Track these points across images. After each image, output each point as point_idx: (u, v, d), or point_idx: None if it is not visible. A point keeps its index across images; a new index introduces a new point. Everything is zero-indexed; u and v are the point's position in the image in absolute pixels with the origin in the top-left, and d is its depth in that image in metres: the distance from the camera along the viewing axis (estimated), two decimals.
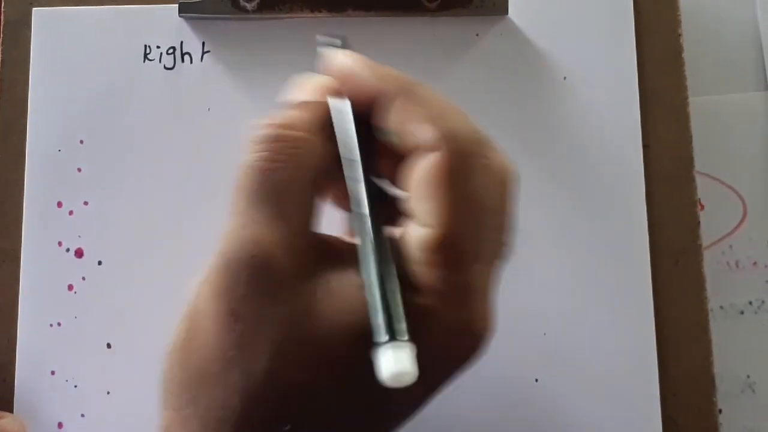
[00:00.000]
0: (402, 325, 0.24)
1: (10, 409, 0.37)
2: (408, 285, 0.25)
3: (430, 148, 0.25)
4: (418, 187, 0.25)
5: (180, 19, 0.40)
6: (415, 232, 0.25)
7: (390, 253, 0.25)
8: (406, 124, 0.26)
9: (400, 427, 0.27)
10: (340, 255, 0.26)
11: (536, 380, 0.37)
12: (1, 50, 0.40)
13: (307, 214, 0.26)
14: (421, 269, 0.25)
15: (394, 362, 0.23)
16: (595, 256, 0.38)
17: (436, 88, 0.39)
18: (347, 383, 0.24)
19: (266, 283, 0.24)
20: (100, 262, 0.38)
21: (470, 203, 0.25)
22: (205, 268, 0.26)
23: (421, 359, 0.23)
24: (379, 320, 0.24)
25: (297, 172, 0.26)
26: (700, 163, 0.39)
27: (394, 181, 0.28)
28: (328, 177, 0.27)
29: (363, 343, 0.23)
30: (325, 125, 0.27)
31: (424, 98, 0.26)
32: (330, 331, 0.24)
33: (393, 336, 0.23)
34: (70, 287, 0.38)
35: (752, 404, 0.38)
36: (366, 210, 0.26)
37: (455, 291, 0.25)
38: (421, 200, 0.25)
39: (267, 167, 0.25)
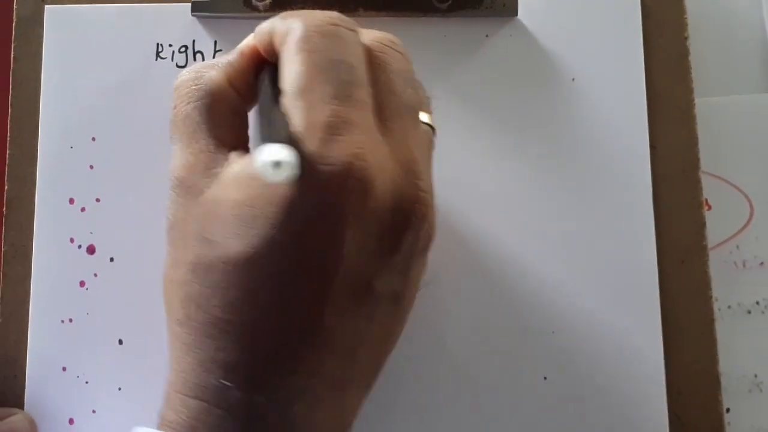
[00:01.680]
0: (280, 132, 0.26)
1: (22, 405, 0.37)
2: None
3: (288, 33, 0.29)
4: (281, 66, 0.29)
5: (192, 17, 0.40)
6: (284, 99, 0.29)
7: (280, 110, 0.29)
8: (279, 37, 0.30)
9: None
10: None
11: (545, 378, 0.38)
12: (14, 48, 0.40)
13: (222, 132, 0.31)
14: (290, 117, 0.28)
15: (267, 154, 0.25)
16: (602, 255, 0.38)
17: (446, 88, 0.40)
18: (259, 247, 0.27)
19: (186, 195, 0.30)
20: (112, 259, 0.39)
21: (318, 58, 0.28)
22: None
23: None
24: (260, 131, 0.27)
25: (200, 103, 0.31)
26: (706, 163, 0.39)
27: None
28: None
29: (255, 207, 0.27)
30: (238, 61, 0.32)
31: (289, 13, 0.31)
32: (233, 205, 0.28)
33: (269, 140, 0.26)
34: (82, 283, 0.38)
35: (760, 403, 0.39)
36: (265, 88, 0.30)
37: (316, 130, 0.27)
38: (282, 73, 0.29)
39: (175, 111, 0.31)
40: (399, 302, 0.30)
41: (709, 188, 0.39)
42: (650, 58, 0.40)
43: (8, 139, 0.40)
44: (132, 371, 0.38)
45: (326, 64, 0.28)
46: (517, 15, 0.40)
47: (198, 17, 0.40)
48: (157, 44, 0.40)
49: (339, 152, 0.27)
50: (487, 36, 0.40)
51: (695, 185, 0.39)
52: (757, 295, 0.39)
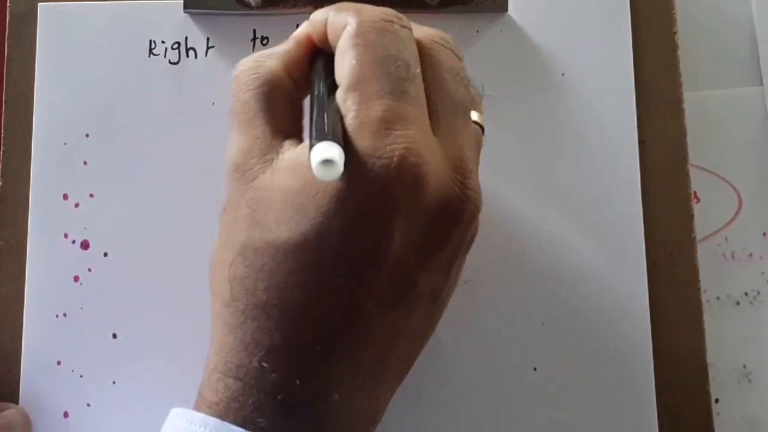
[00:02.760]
0: (334, 129, 0.27)
1: (16, 399, 0.38)
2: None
3: (343, 27, 0.30)
4: (336, 60, 0.30)
5: (185, 14, 0.40)
6: (337, 92, 0.29)
7: (332, 97, 0.29)
8: (334, 31, 0.30)
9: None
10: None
11: (534, 369, 0.38)
12: (7, 45, 0.41)
13: (279, 120, 0.31)
14: (345, 110, 0.28)
15: (319, 152, 0.25)
16: (591, 248, 0.39)
17: None
18: (307, 235, 0.28)
19: (241, 179, 0.30)
20: (105, 254, 0.39)
21: (373, 54, 0.29)
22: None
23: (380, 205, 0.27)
24: (313, 126, 0.27)
25: (258, 91, 0.31)
26: (695, 156, 0.39)
27: None
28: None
29: (307, 196, 0.28)
30: (294, 50, 0.32)
31: (344, 5, 0.31)
32: (285, 192, 0.28)
33: (323, 137, 0.26)
34: (76, 278, 0.39)
35: (748, 394, 0.39)
36: (319, 79, 0.31)
37: (370, 124, 0.28)
38: (337, 67, 0.30)
39: (234, 99, 0.32)
40: (437, 300, 0.31)
41: (697, 181, 0.39)
42: (639, 52, 0.40)
43: (2, 136, 0.40)
44: (126, 365, 0.38)
45: (381, 60, 0.29)
46: (507, 11, 0.41)
47: (190, 14, 0.40)
48: (150, 41, 0.40)
49: (393, 146, 0.27)
50: (477, 32, 0.41)
51: (684, 178, 0.39)
52: (745, 286, 0.40)
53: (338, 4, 0.31)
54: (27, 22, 0.41)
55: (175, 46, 0.40)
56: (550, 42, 0.41)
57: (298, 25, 0.40)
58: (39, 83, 0.40)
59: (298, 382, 0.28)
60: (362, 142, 0.27)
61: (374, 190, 0.27)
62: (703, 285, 0.38)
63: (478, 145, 0.32)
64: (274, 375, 0.28)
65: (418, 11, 0.40)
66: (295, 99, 0.32)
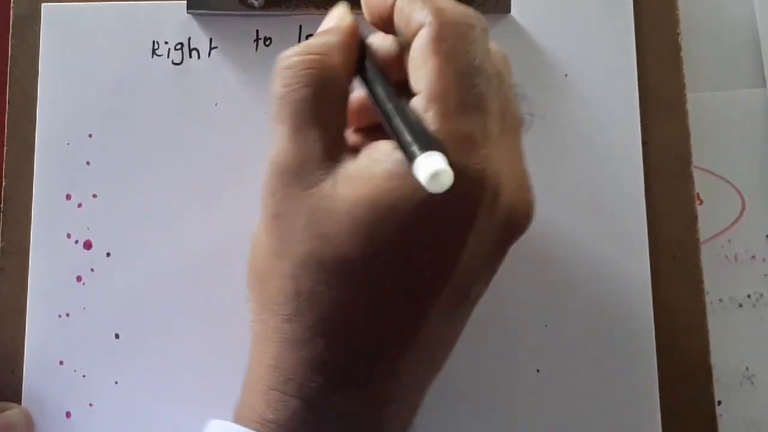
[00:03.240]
0: (428, 137, 0.26)
1: (19, 399, 0.38)
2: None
3: (421, 25, 0.28)
4: (412, 62, 0.28)
5: (188, 15, 0.40)
6: (414, 100, 0.28)
7: (404, 105, 0.28)
8: (404, 18, 0.29)
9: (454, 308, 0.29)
10: (356, 149, 0.29)
11: (537, 371, 0.38)
12: (11, 45, 0.41)
13: (335, 122, 0.29)
14: (427, 123, 0.27)
15: (429, 164, 0.24)
16: (594, 250, 0.39)
17: None
18: (379, 249, 0.27)
19: (297, 185, 0.28)
20: (108, 254, 0.39)
21: (457, 64, 0.27)
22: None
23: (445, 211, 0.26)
24: (407, 138, 0.26)
25: (317, 89, 0.29)
26: (698, 158, 0.39)
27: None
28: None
29: (382, 208, 0.27)
30: (346, 43, 0.30)
31: None
32: (353, 204, 0.27)
33: (423, 148, 0.25)
34: (79, 278, 0.39)
35: (751, 396, 0.39)
36: (379, 77, 0.30)
37: (455, 140, 0.27)
38: (415, 71, 0.28)
39: (286, 91, 0.29)
40: (474, 305, 0.31)
41: (700, 183, 0.39)
42: (642, 53, 0.40)
43: (5, 136, 0.40)
44: (128, 365, 0.38)
45: (465, 71, 0.27)
46: (510, 12, 0.41)
47: (193, 14, 0.40)
48: (153, 42, 0.40)
49: (477, 165, 0.27)
50: None
51: (687, 180, 0.39)
52: (748, 288, 0.40)
53: None
54: (31, 22, 0.41)
55: (178, 46, 0.40)
56: (553, 43, 0.41)
57: (301, 26, 0.40)
58: (42, 83, 0.40)
59: (359, 399, 0.28)
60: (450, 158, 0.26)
61: (456, 208, 0.27)
62: (706, 287, 0.38)
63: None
64: (338, 395, 0.28)
65: None
66: (347, 96, 0.31)
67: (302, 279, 0.28)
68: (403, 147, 0.26)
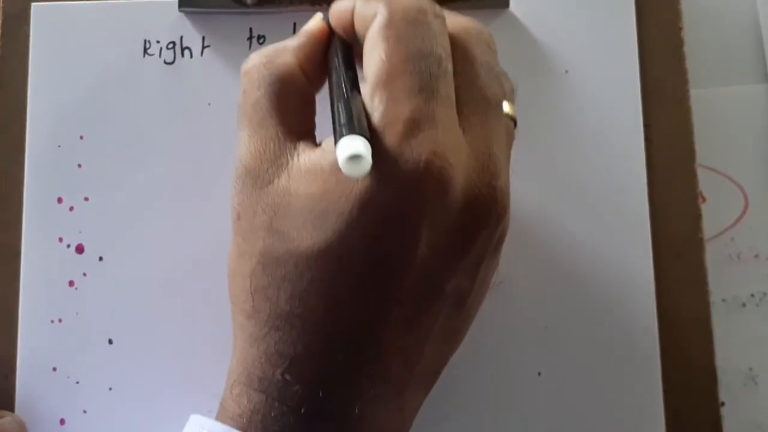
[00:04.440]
0: (361, 124, 0.26)
1: (12, 406, 0.37)
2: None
3: (373, 18, 0.28)
4: (364, 52, 0.29)
5: (180, 13, 0.40)
6: (363, 87, 0.28)
7: (355, 91, 0.28)
8: (361, 19, 0.29)
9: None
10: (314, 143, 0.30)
11: (539, 374, 0.37)
12: (1, 46, 0.40)
13: (290, 119, 0.30)
14: (372, 109, 0.27)
15: (348, 147, 0.25)
16: (596, 248, 0.38)
17: None
18: (330, 242, 0.27)
19: (255, 185, 0.29)
20: (101, 258, 0.38)
21: (403, 49, 0.28)
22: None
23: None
24: (336, 123, 0.27)
25: (268, 90, 0.30)
26: (701, 155, 0.39)
27: None
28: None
29: (330, 201, 0.27)
30: (307, 44, 0.31)
31: None
32: (304, 198, 0.27)
33: (351, 132, 0.25)
34: (71, 283, 0.38)
35: (755, 396, 0.38)
36: (339, 69, 0.30)
37: (396, 124, 0.27)
38: (365, 60, 0.28)
39: (243, 98, 0.31)
40: (464, 303, 0.30)
41: (703, 180, 0.39)
42: (644, 48, 0.40)
43: None
44: (122, 371, 0.38)
45: (413, 55, 0.27)
46: (509, 6, 0.40)
47: (185, 12, 0.40)
48: (145, 41, 0.40)
49: (419, 149, 0.26)
50: None
51: (691, 177, 0.39)
52: (751, 287, 0.39)
53: None
54: (21, 21, 0.40)
55: (170, 45, 0.40)
56: (553, 38, 0.40)
57: (295, 23, 0.40)
58: (33, 84, 0.40)
59: (321, 394, 0.28)
60: (388, 143, 0.27)
61: (399, 194, 0.27)
62: (708, 286, 0.38)
63: (510, 140, 0.32)
64: (297, 387, 0.28)
65: None
66: (308, 96, 0.31)
67: (259, 275, 0.28)
68: (334, 132, 0.27)
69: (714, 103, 0.40)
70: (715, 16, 0.41)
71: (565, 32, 0.40)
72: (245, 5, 0.39)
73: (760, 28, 0.41)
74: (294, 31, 0.40)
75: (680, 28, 0.40)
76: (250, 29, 0.40)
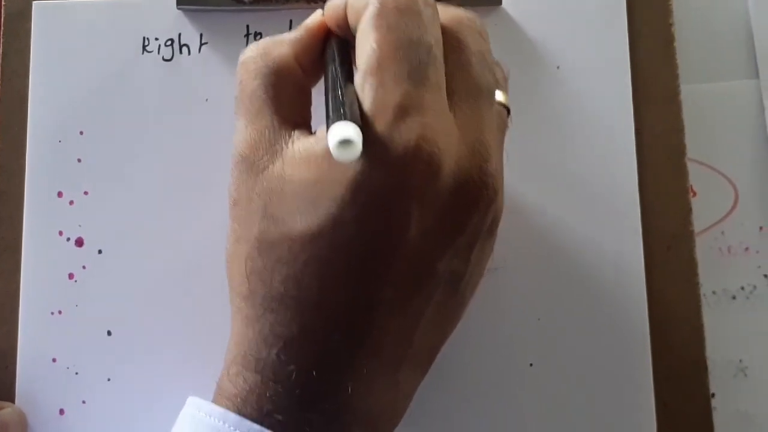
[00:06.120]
0: (353, 110, 0.27)
1: (12, 397, 0.38)
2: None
3: (364, 9, 0.29)
4: (357, 43, 0.29)
5: (178, 11, 0.40)
6: (355, 76, 0.29)
7: (349, 82, 0.29)
8: (354, 13, 0.30)
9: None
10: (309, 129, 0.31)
11: (531, 365, 0.38)
12: (2, 42, 0.41)
13: (286, 108, 0.31)
14: (362, 96, 0.28)
15: (338, 132, 0.25)
16: (588, 242, 0.39)
17: None
18: (323, 225, 0.28)
19: (250, 171, 0.30)
20: (100, 251, 0.39)
21: (393, 37, 0.28)
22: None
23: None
24: (329, 110, 0.27)
25: (264, 80, 0.30)
26: (691, 150, 0.39)
27: None
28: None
29: (323, 185, 0.27)
30: (304, 37, 0.32)
31: None
32: (298, 183, 0.28)
33: (342, 118, 0.26)
34: (71, 276, 0.39)
35: (745, 388, 0.39)
36: (336, 60, 0.31)
37: (386, 110, 0.27)
38: (358, 50, 0.29)
39: (240, 88, 0.31)
40: (458, 286, 0.30)
41: (693, 175, 0.39)
42: (635, 44, 0.40)
43: None
44: (121, 362, 0.38)
45: (402, 43, 0.28)
46: (501, 3, 0.40)
47: (183, 10, 0.40)
48: (143, 38, 0.40)
49: (408, 134, 0.27)
50: None
51: (681, 171, 0.39)
52: (741, 280, 0.39)
53: None
54: (22, 19, 0.41)
55: (169, 42, 0.40)
56: (545, 35, 0.40)
57: (291, 21, 0.40)
58: (34, 80, 0.40)
59: (314, 374, 0.28)
60: (378, 128, 0.27)
61: (388, 178, 0.27)
62: (699, 279, 0.38)
63: (502, 128, 0.32)
64: (291, 367, 0.28)
65: None
66: (304, 88, 0.32)
67: (255, 259, 0.29)
68: (327, 120, 0.27)
69: (704, 99, 0.41)
70: (706, 12, 0.42)
71: (557, 28, 0.40)
72: (242, 3, 0.40)
73: (751, 25, 0.41)
74: (290, 29, 0.40)
75: (671, 24, 0.40)
76: (247, 27, 0.40)
